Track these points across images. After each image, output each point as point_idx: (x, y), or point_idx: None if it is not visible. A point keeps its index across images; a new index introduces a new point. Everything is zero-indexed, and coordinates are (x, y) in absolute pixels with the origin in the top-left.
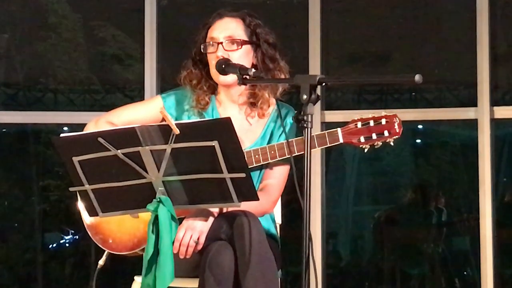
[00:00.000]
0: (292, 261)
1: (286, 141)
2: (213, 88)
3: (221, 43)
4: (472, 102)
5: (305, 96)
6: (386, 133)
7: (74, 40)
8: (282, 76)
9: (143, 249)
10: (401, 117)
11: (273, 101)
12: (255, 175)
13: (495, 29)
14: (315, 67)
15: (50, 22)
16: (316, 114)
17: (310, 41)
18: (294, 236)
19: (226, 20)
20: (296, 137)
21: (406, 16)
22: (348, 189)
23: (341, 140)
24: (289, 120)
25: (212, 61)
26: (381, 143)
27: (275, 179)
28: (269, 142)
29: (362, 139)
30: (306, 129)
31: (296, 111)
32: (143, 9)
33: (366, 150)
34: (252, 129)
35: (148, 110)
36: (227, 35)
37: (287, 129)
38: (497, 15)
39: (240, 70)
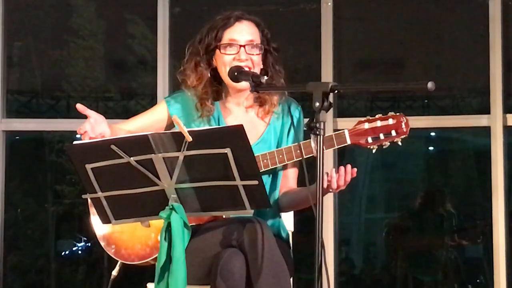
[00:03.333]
0: (304, 268)
1: (293, 144)
2: (217, 92)
3: (244, 46)
4: (485, 109)
5: (317, 104)
6: (393, 132)
7: (91, 47)
8: (282, 80)
9: (155, 259)
10: (414, 124)
11: (277, 100)
12: (264, 179)
13: (508, 36)
14: (327, 75)
15: (68, 29)
16: (329, 121)
17: (322, 48)
18: (306, 243)
19: (246, 23)
20: (304, 138)
21: (419, 23)
22: (360, 196)
23: (349, 142)
24: (295, 114)
25: (231, 62)
26: (389, 143)
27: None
28: (279, 139)
29: (370, 140)
30: (319, 136)
31: (303, 112)
32: (155, 16)
33: (374, 150)
34: (257, 127)
35: (154, 114)
36: (249, 39)
37: (295, 121)
38: (510, 22)
39: (253, 78)
